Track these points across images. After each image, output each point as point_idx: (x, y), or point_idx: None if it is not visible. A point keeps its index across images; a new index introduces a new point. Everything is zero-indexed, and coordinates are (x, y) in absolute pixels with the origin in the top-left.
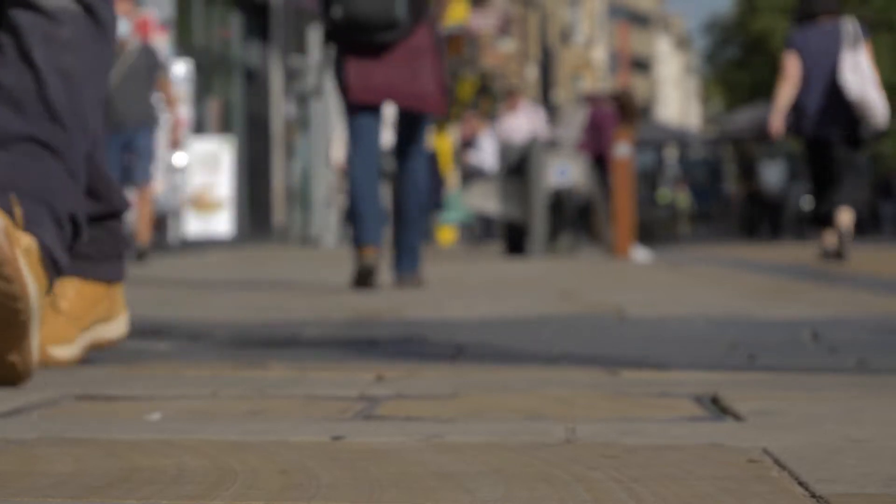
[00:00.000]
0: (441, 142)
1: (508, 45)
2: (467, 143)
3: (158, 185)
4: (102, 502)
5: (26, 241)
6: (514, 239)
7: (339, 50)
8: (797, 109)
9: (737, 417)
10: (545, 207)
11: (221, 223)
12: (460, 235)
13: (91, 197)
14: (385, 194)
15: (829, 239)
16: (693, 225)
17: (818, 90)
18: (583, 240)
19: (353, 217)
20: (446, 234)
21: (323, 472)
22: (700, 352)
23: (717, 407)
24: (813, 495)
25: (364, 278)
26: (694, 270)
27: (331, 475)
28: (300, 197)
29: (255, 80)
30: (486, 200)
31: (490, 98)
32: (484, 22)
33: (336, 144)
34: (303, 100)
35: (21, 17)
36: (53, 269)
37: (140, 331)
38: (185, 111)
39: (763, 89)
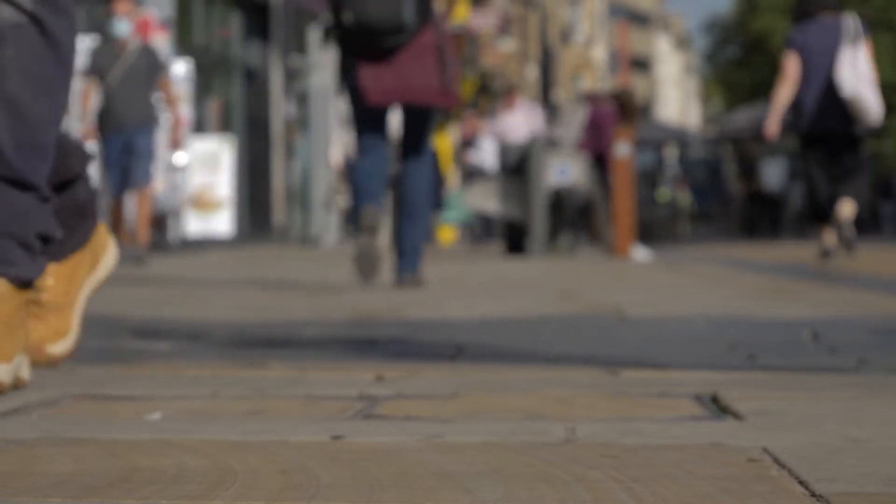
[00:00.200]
0: (441, 141)
1: (508, 45)
2: (467, 143)
3: (159, 184)
4: (102, 502)
5: None
6: (514, 238)
7: (348, 55)
8: (796, 107)
9: (737, 417)
10: (545, 207)
11: (221, 223)
12: (460, 235)
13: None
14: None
15: (829, 238)
16: (693, 224)
17: (817, 86)
18: (583, 239)
19: (354, 198)
20: (446, 233)
21: (323, 472)
22: (700, 352)
23: (717, 407)
24: (813, 494)
25: (366, 247)
26: (694, 270)
27: (331, 475)
28: (300, 197)
29: (255, 80)
30: (487, 200)
31: (489, 97)
32: (484, 21)
33: (335, 146)
34: (303, 100)
35: None
36: (29, 283)
37: (140, 331)
38: (185, 111)
39: (763, 89)
